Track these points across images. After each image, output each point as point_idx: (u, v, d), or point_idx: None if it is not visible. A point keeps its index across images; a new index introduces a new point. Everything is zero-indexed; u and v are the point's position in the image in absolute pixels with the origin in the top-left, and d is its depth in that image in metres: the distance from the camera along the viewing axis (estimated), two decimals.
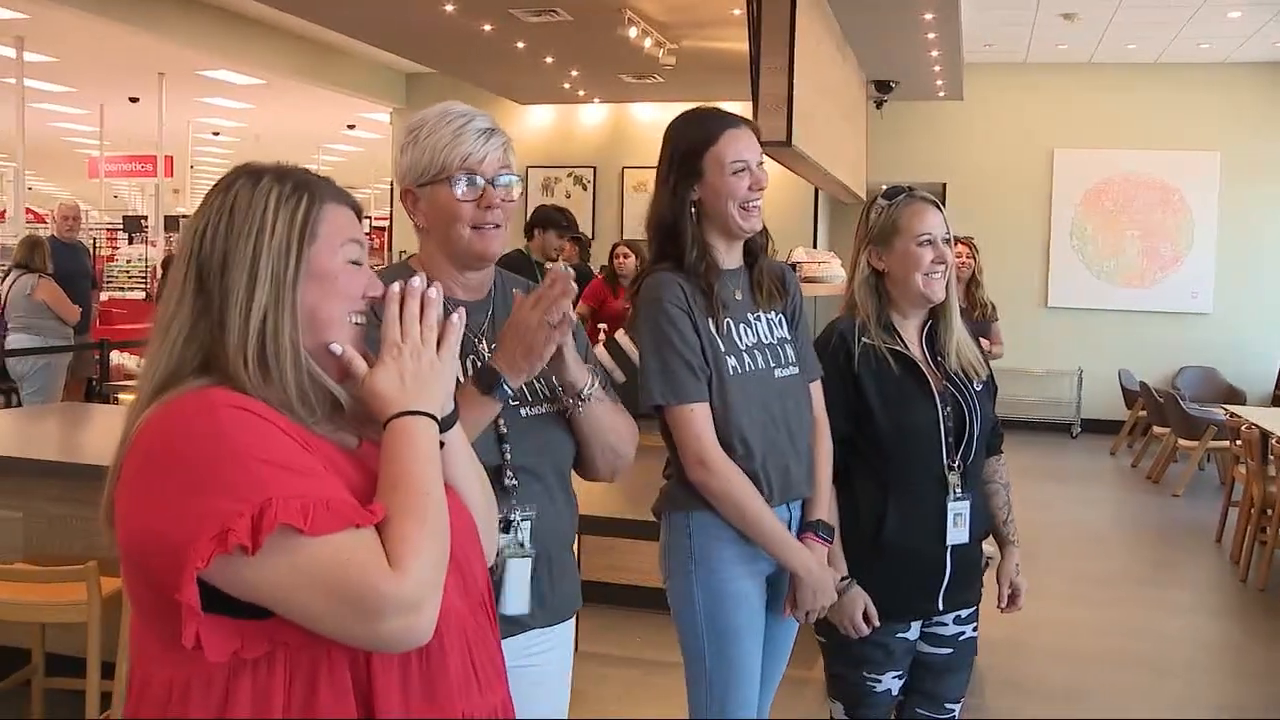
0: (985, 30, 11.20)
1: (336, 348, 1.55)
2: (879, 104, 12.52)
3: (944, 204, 2.98)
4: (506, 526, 2.15)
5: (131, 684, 1.48)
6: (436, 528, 1.43)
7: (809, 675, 4.30)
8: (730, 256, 2.77)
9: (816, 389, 2.85)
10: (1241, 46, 11.77)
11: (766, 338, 2.77)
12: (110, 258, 19.35)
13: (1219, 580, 7.24)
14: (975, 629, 3.03)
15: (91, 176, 21.27)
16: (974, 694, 4.75)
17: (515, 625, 2.15)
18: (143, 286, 16.89)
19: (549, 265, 2.17)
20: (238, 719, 1.38)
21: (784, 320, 2.83)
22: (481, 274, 2.24)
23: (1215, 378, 12.36)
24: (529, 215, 7.61)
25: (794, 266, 6.74)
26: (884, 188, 2.97)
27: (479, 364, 2.13)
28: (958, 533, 2.84)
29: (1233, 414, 8.24)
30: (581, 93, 13.12)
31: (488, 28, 9.71)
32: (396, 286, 1.57)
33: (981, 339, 5.95)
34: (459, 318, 1.61)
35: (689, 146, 2.71)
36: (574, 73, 11.92)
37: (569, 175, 14.14)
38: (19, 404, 9.01)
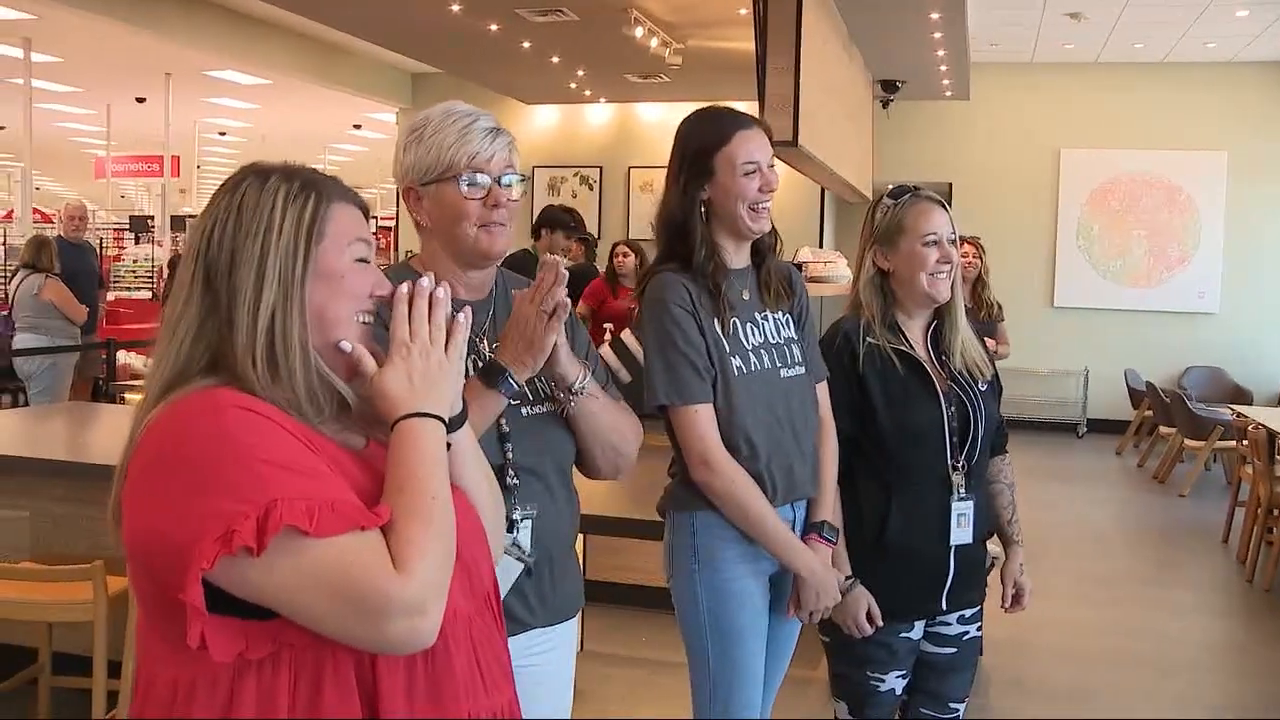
0: (991, 30, 11.20)
1: (346, 345, 1.55)
2: (885, 104, 12.52)
3: (950, 204, 2.98)
4: (510, 526, 2.15)
5: (137, 683, 1.48)
6: (442, 530, 1.43)
7: (813, 675, 4.31)
8: (738, 256, 2.78)
9: (823, 390, 2.85)
10: (1248, 46, 11.76)
11: (773, 338, 2.77)
12: (117, 257, 19.39)
13: (1225, 580, 7.24)
14: (979, 629, 3.03)
15: (98, 177, 21.31)
16: (978, 694, 4.75)
17: (517, 624, 2.15)
18: (149, 286, 16.93)
19: (543, 258, 2.16)
20: (242, 719, 1.38)
21: (790, 320, 2.84)
22: (484, 273, 2.25)
23: (1222, 378, 12.35)
24: (536, 215, 7.62)
25: (800, 266, 6.75)
26: (890, 187, 2.97)
27: (480, 363, 2.13)
28: (961, 533, 2.84)
29: (1239, 414, 8.23)
30: (587, 92, 13.13)
31: (494, 27, 9.72)
32: (405, 286, 1.57)
33: (987, 339, 5.97)
34: (465, 317, 1.61)
35: (701, 145, 2.71)
36: (580, 72, 11.92)
37: (575, 175, 14.15)
38: (26, 403, 9.04)
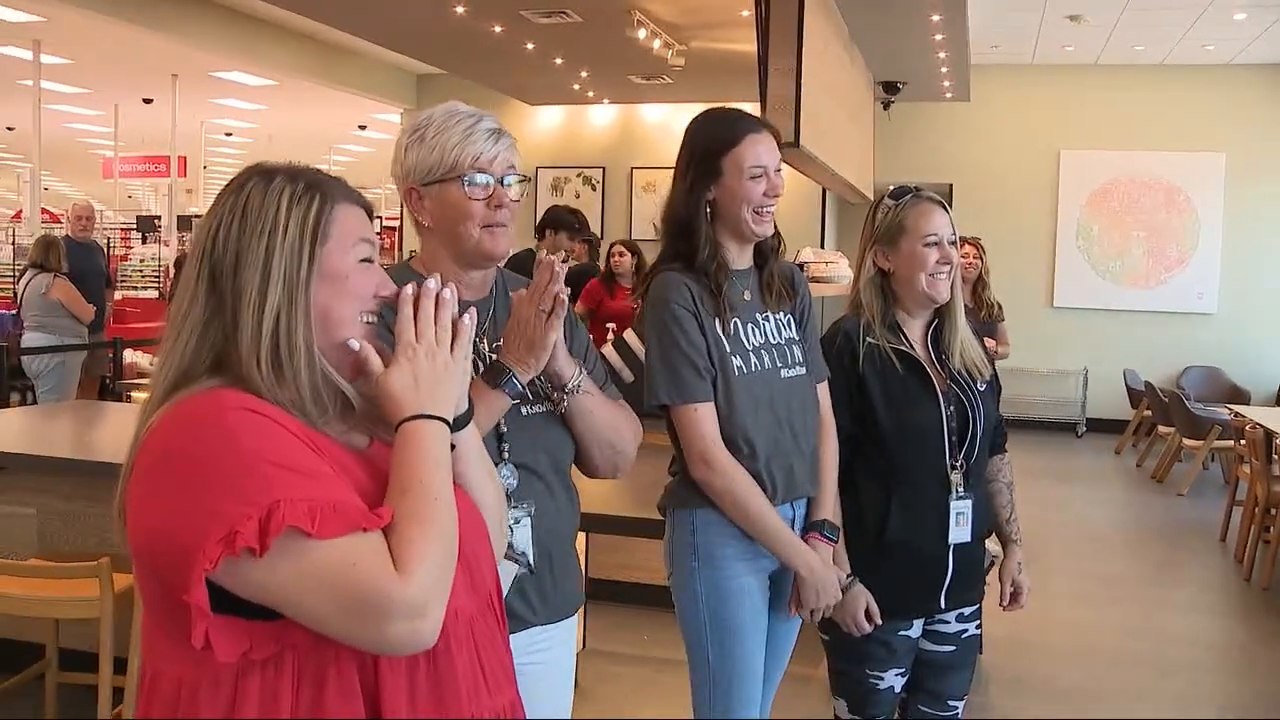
0: (992, 32, 11.20)
1: (354, 343, 1.55)
2: (886, 105, 12.52)
3: (950, 204, 2.99)
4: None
5: (142, 680, 1.49)
6: (444, 532, 1.43)
7: (813, 673, 4.33)
8: (741, 257, 2.79)
9: (824, 390, 2.87)
10: (1247, 48, 11.76)
11: (774, 338, 2.79)
12: (124, 257, 19.40)
13: (1223, 580, 7.25)
14: (978, 627, 3.04)
15: (106, 177, 21.32)
16: (978, 692, 4.78)
17: (517, 622, 2.15)
18: (156, 286, 16.92)
19: (539, 257, 2.17)
20: (246, 719, 1.39)
21: (792, 321, 2.85)
22: (484, 273, 2.26)
23: (1220, 378, 12.35)
24: (540, 216, 7.61)
25: (801, 266, 6.76)
26: (891, 188, 2.97)
27: (480, 363, 2.15)
28: (960, 531, 2.86)
29: (1237, 414, 8.25)
30: (591, 93, 13.13)
31: (498, 29, 9.73)
32: (410, 288, 1.58)
33: (988, 339, 5.99)
34: (470, 318, 1.61)
35: (710, 146, 2.72)
36: (583, 74, 11.93)
37: (578, 175, 14.16)
38: (34, 401, 9.07)
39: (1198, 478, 9.85)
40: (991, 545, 3.20)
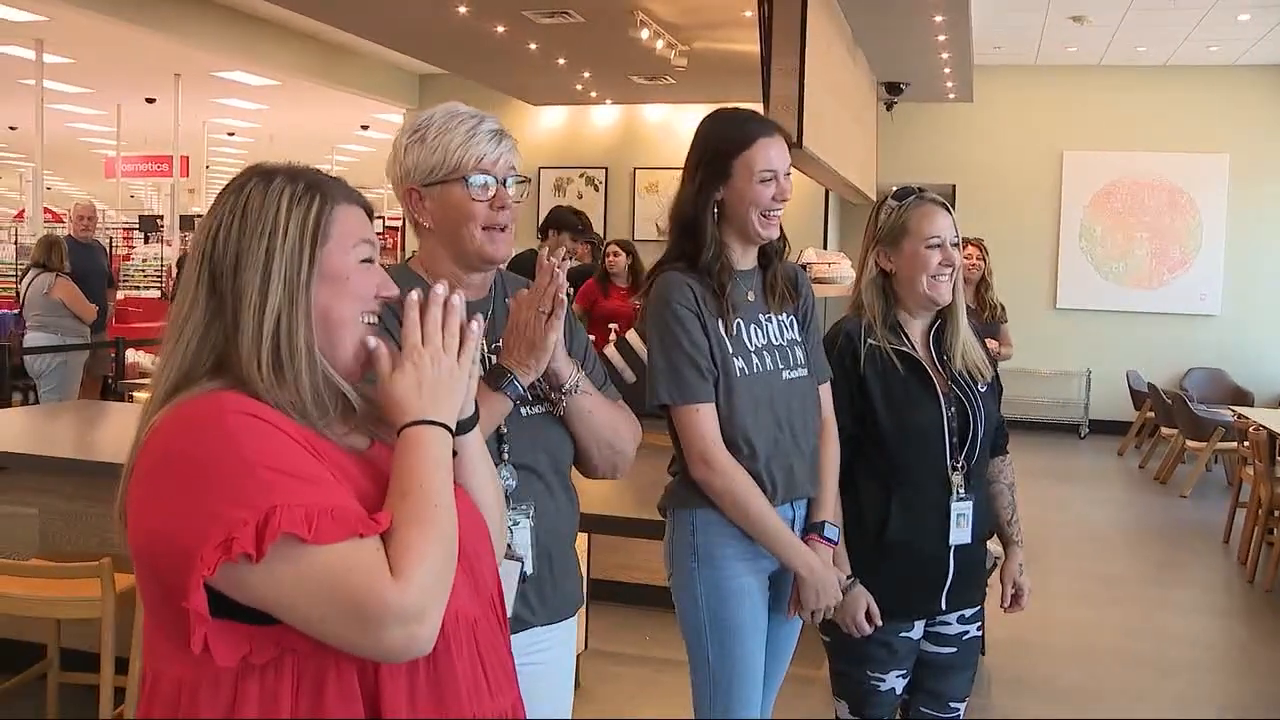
0: (995, 32, 11.21)
1: (372, 342, 1.55)
2: (889, 105, 12.53)
3: (953, 205, 2.99)
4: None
5: (143, 681, 1.48)
6: (443, 537, 1.42)
7: (815, 674, 4.33)
8: (745, 258, 2.79)
9: (826, 391, 2.87)
10: (1250, 49, 11.76)
11: (776, 339, 2.78)
12: (126, 257, 19.44)
13: (1226, 581, 7.25)
14: (980, 628, 3.04)
15: (108, 176, 21.36)
16: (980, 693, 4.77)
17: (516, 623, 2.15)
18: (158, 285, 16.97)
19: (540, 261, 2.15)
20: None
21: (795, 322, 2.84)
22: (484, 274, 2.26)
23: (1223, 379, 12.35)
24: (543, 216, 7.59)
25: (804, 267, 6.76)
26: (894, 189, 2.97)
27: (482, 366, 2.15)
28: (960, 533, 2.85)
29: (1240, 415, 8.25)
30: (593, 94, 13.14)
31: (500, 29, 9.74)
32: (416, 294, 1.56)
33: (990, 340, 5.99)
34: (478, 325, 1.60)
35: (721, 147, 2.72)
36: (586, 74, 11.94)
37: (581, 176, 14.16)
38: (36, 401, 9.07)
39: (1201, 479, 9.84)
40: (993, 546, 3.19)
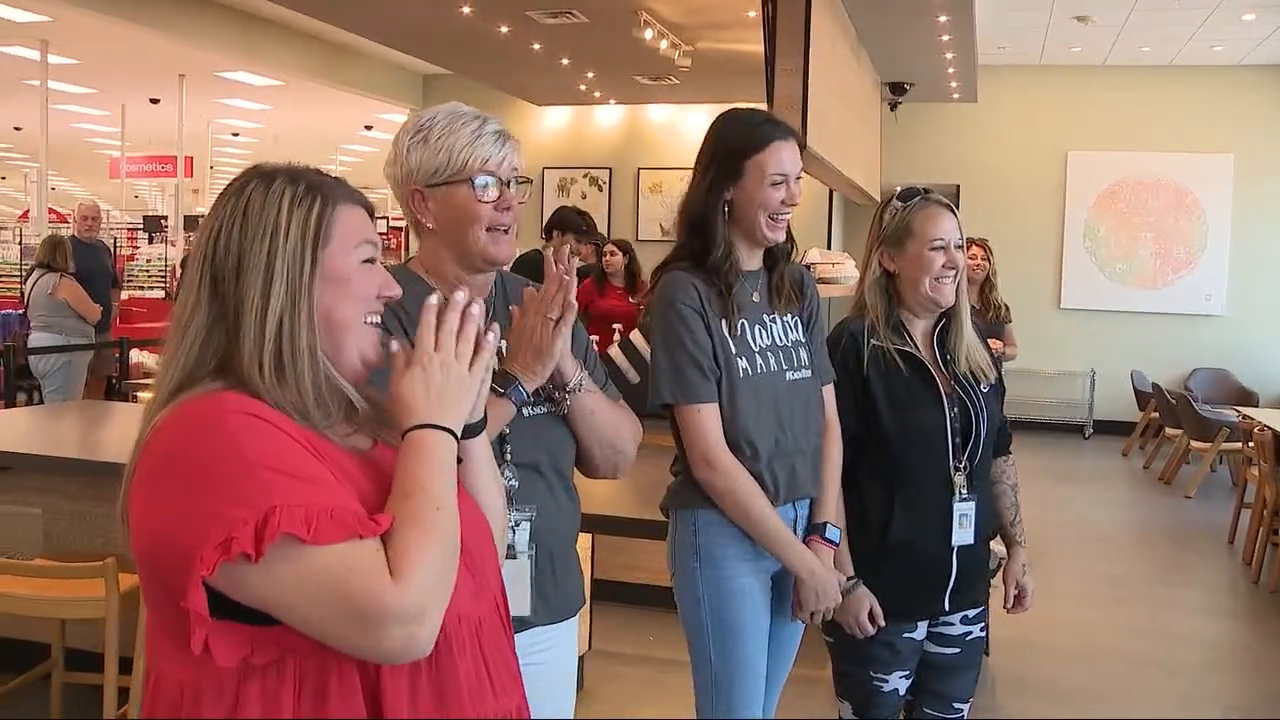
0: (999, 32, 11.20)
1: (395, 345, 1.55)
2: (893, 106, 12.52)
3: (958, 205, 2.98)
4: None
5: (146, 682, 1.49)
6: (444, 540, 1.42)
7: (819, 675, 4.32)
8: (751, 258, 2.78)
9: (829, 392, 2.86)
10: (1255, 49, 11.74)
11: (781, 340, 2.78)
12: (131, 257, 19.44)
13: (1231, 582, 7.25)
14: (983, 629, 3.04)
15: (113, 177, 21.36)
16: (984, 694, 4.77)
17: (517, 623, 2.13)
18: (162, 285, 16.96)
19: (548, 268, 2.14)
20: None
21: (800, 323, 2.84)
22: (486, 275, 2.26)
23: (1228, 379, 12.34)
24: (548, 216, 7.58)
25: (808, 267, 6.75)
26: (899, 189, 2.96)
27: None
28: (963, 534, 2.85)
29: (1245, 416, 8.25)
30: (597, 94, 13.15)
31: (504, 29, 9.75)
32: (435, 298, 1.56)
33: (995, 340, 5.98)
34: (494, 335, 1.59)
35: (734, 147, 2.71)
36: (590, 74, 11.95)
37: (585, 176, 14.17)
38: (40, 401, 9.08)
39: (1205, 480, 9.83)
40: (996, 547, 3.19)
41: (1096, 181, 13.04)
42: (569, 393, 2.24)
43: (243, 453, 1.37)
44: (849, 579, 2.82)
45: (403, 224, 17.80)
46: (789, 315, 2.83)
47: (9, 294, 13.97)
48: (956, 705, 3.01)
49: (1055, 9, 10.51)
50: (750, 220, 2.70)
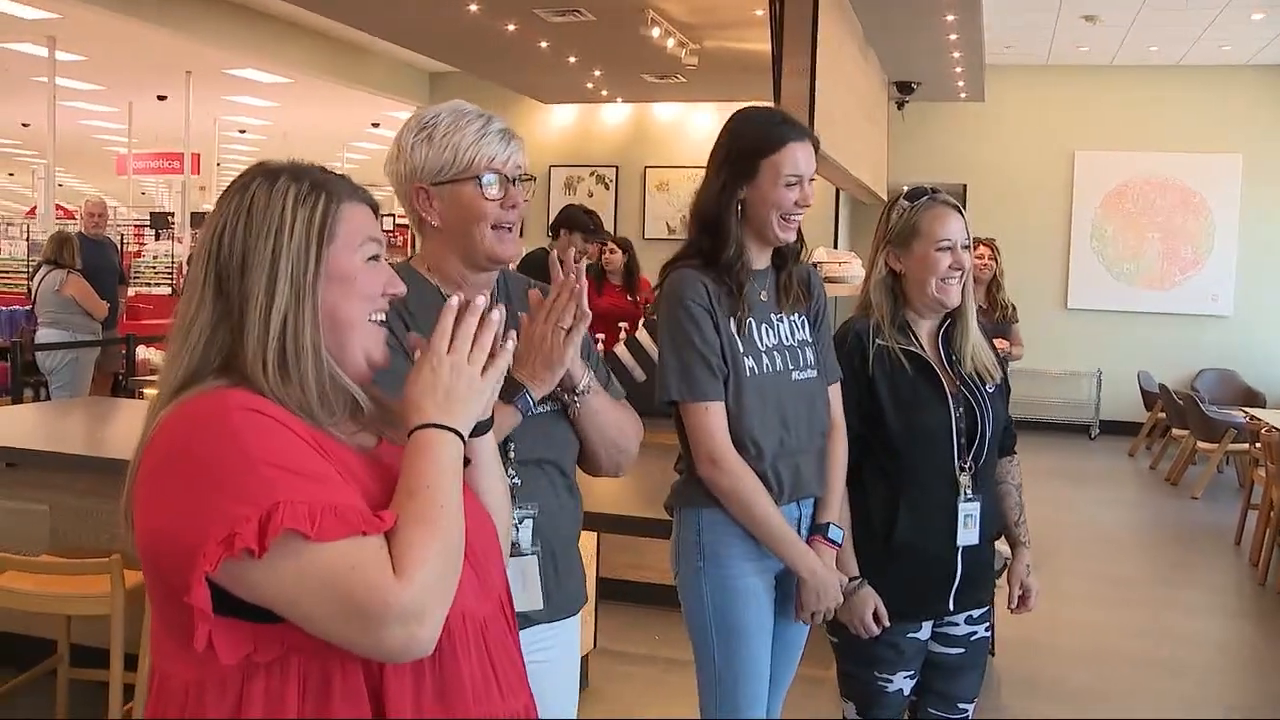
0: (1007, 32, 11.19)
1: (417, 337, 1.56)
2: (900, 105, 12.52)
3: (965, 205, 2.96)
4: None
5: (151, 680, 1.49)
6: (447, 538, 1.41)
7: (824, 675, 4.32)
8: (760, 258, 2.78)
9: (835, 392, 2.86)
10: (1264, 49, 11.72)
11: (787, 340, 2.78)
12: (137, 253, 19.46)
13: (1237, 583, 7.23)
14: (988, 629, 3.03)
15: (120, 173, 21.43)
16: (989, 694, 4.77)
17: (521, 620, 2.15)
18: (169, 282, 16.99)
19: (555, 275, 2.14)
20: None
21: (806, 323, 2.84)
22: (489, 274, 2.26)
23: (1235, 380, 12.32)
24: (555, 214, 7.56)
25: (815, 266, 6.74)
26: (906, 189, 2.95)
27: None
28: (968, 534, 2.84)
29: (1252, 417, 8.24)
30: (604, 92, 13.15)
31: (511, 27, 9.75)
32: (455, 300, 1.56)
33: (1001, 340, 5.97)
34: (511, 343, 1.59)
35: (749, 146, 2.70)
36: (597, 72, 11.95)
37: (591, 174, 14.17)
38: (47, 398, 9.09)
39: (1212, 481, 9.82)
40: (1001, 547, 3.18)
41: (1104, 181, 13.02)
42: (578, 396, 2.24)
43: (246, 449, 1.37)
44: (853, 579, 2.81)
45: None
46: (796, 315, 2.82)
47: (16, 290, 13.97)
48: (961, 705, 3.01)
49: (1063, 8, 10.50)
50: (763, 220, 2.70)
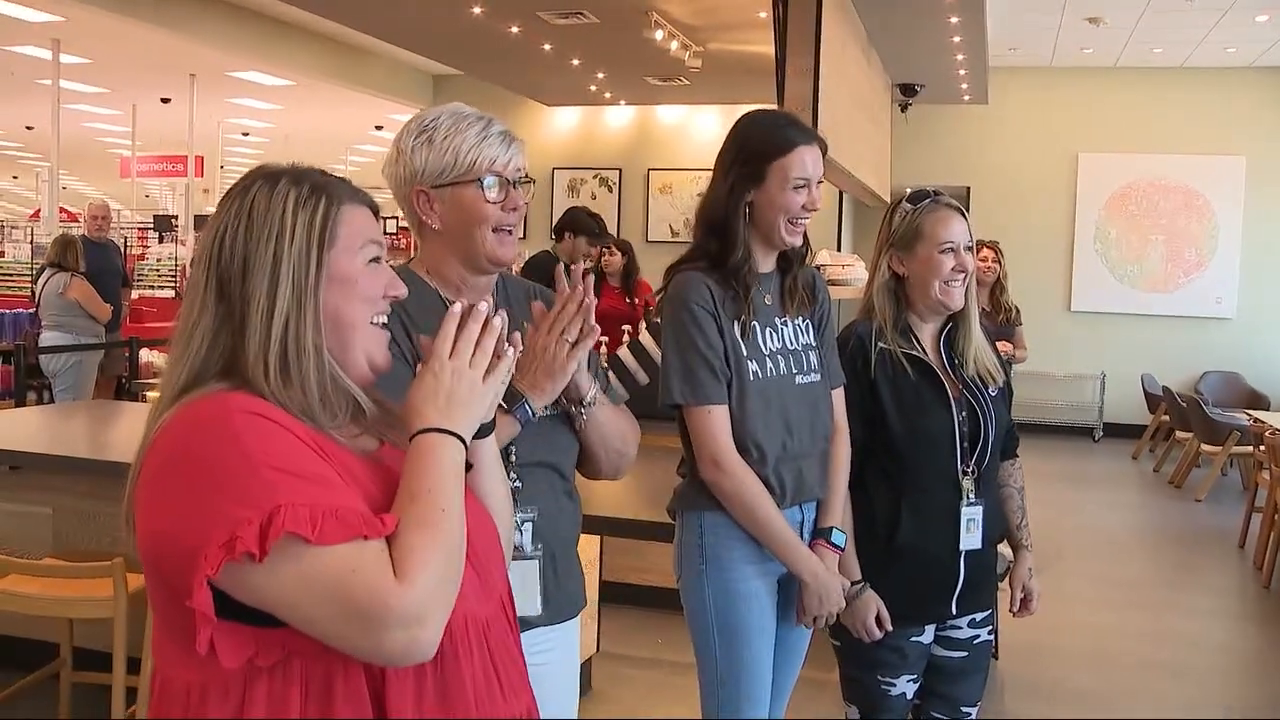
0: (1010, 34, 11.18)
1: (428, 340, 1.56)
2: (904, 107, 12.52)
3: (968, 207, 2.97)
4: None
5: (153, 684, 1.49)
6: (449, 543, 1.41)
7: (827, 678, 4.31)
8: (765, 261, 2.78)
9: (839, 396, 2.86)
10: (1268, 51, 11.71)
11: (791, 343, 2.77)
12: (141, 256, 19.46)
13: (1241, 586, 7.22)
14: (990, 632, 3.03)
15: (124, 176, 21.44)
16: (993, 698, 4.76)
17: (520, 623, 2.16)
18: (172, 285, 16.99)
19: (560, 286, 2.15)
20: None
21: (810, 327, 2.84)
22: (489, 277, 2.26)
23: (1238, 383, 12.31)
24: (558, 217, 7.54)
25: (818, 269, 6.72)
26: (909, 191, 2.95)
27: None
28: (971, 538, 2.84)
29: (1256, 419, 8.23)
30: (608, 94, 13.15)
31: (515, 30, 9.75)
32: (458, 306, 1.56)
33: (1005, 343, 5.97)
34: (513, 352, 1.59)
35: (758, 149, 2.69)
36: (600, 75, 11.95)
37: (594, 176, 14.18)
38: (51, 400, 9.10)
39: (1216, 483, 9.80)
40: (1004, 550, 3.18)
41: (1107, 183, 13.02)
42: (585, 408, 2.24)
43: (248, 452, 1.37)
44: (856, 583, 2.81)
45: None
46: (800, 319, 2.82)
47: (20, 293, 13.98)
48: (964, 709, 3.01)
49: (1066, 10, 10.49)
50: (770, 224, 2.69)
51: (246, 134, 20.69)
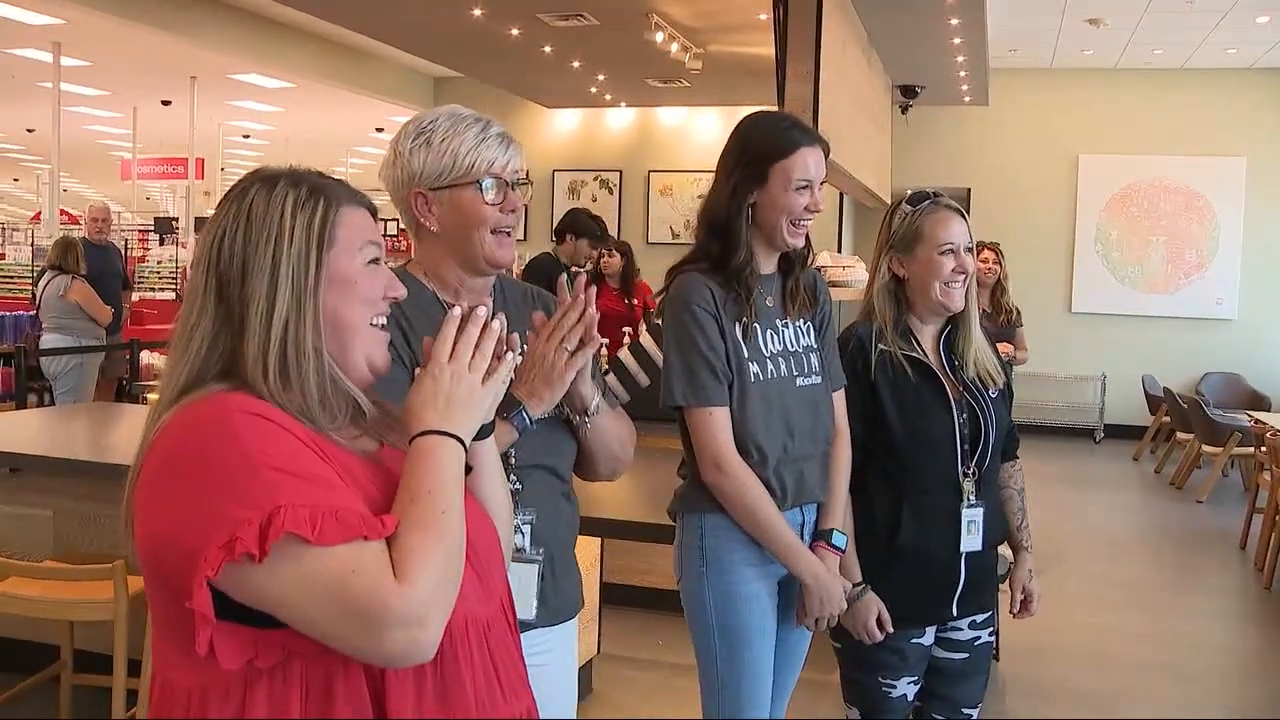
0: (1011, 35, 11.18)
1: (429, 341, 1.55)
2: (904, 108, 12.51)
3: (968, 209, 2.97)
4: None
5: (153, 686, 1.49)
6: (449, 544, 1.41)
7: (828, 680, 4.31)
8: (767, 263, 2.77)
9: (840, 398, 2.85)
10: (1268, 52, 11.72)
11: (792, 346, 2.77)
12: (141, 259, 19.45)
13: (1242, 587, 7.22)
14: (991, 633, 3.02)
15: (124, 178, 21.45)
16: (994, 699, 4.76)
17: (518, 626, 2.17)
18: (173, 287, 16.99)
19: (561, 295, 2.15)
20: None
21: (812, 329, 2.83)
22: (486, 280, 2.26)
23: (1239, 384, 12.31)
24: (560, 218, 7.53)
25: (819, 270, 6.72)
26: (909, 193, 2.95)
27: None
28: (971, 540, 2.84)
29: (1257, 420, 8.23)
30: (608, 96, 13.16)
31: (515, 32, 9.76)
32: (458, 310, 1.56)
33: (1005, 344, 5.97)
34: (512, 357, 1.59)
35: (761, 150, 2.69)
36: (601, 77, 11.96)
37: (595, 178, 14.18)
38: (51, 403, 9.10)
39: (1217, 484, 9.80)
40: (1005, 552, 3.18)
41: (1108, 185, 13.02)
42: (588, 417, 2.24)
43: (247, 453, 1.37)
44: (857, 585, 2.81)
45: None
46: (801, 321, 2.82)
47: (20, 295, 13.99)
48: (965, 710, 3.00)
49: (1067, 12, 10.50)
50: (772, 225, 2.69)
51: (247, 136, 20.70)
